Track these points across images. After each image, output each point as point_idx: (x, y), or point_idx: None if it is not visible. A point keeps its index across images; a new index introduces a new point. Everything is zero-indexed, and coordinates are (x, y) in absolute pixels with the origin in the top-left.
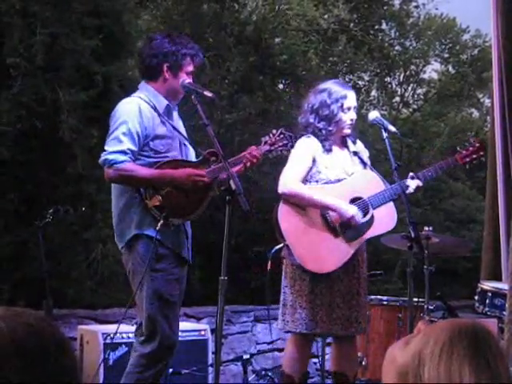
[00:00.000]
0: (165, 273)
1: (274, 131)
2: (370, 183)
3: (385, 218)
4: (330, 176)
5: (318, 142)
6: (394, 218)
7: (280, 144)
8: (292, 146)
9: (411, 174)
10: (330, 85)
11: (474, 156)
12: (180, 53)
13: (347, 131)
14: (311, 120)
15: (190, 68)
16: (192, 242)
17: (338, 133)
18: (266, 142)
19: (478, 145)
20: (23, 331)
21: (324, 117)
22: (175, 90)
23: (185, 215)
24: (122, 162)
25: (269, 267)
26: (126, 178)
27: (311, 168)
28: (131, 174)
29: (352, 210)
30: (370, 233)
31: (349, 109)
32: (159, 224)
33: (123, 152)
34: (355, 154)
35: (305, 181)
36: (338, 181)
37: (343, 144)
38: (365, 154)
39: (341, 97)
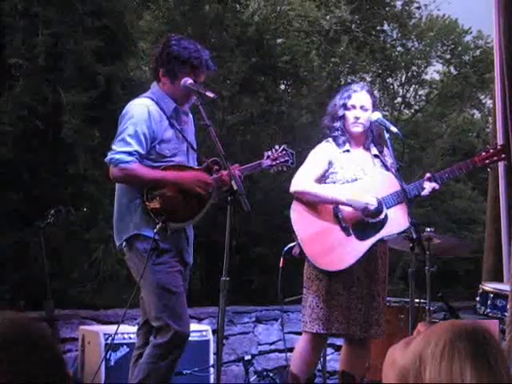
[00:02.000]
0: (166, 265)
1: (277, 147)
2: (385, 183)
3: (399, 218)
4: (346, 176)
5: (336, 145)
6: (407, 218)
7: (282, 160)
8: (292, 163)
9: (428, 174)
10: (348, 85)
11: (495, 158)
12: (179, 60)
13: (354, 129)
14: (325, 121)
15: (192, 78)
16: (194, 242)
17: (349, 132)
18: (268, 157)
19: (499, 147)
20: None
21: (332, 115)
22: (176, 95)
23: (183, 220)
24: (127, 162)
25: (281, 265)
26: (131, 178)
27: (327, 170)
28: (136, 174)
29: (365, 199)
30: (384, 232)
31: (353, 107)
32: (157, 227)
33: (130, 153)
34: (376, 156)
35: (321, 182)
36: (355, 180)
37: (364, 147)
38: (389, 159)
39: (345, 96)
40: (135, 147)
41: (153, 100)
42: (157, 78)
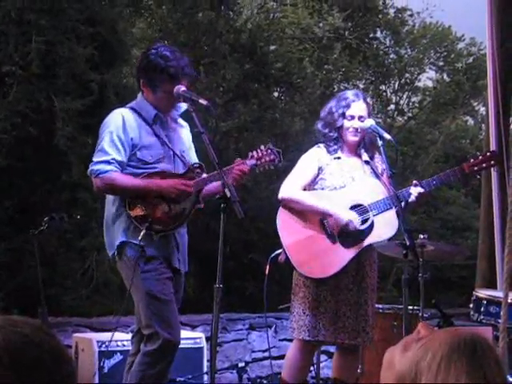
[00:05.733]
0: (154, 272)
1: (262, 147)
2: (374, 190)
3: (385, 226)
4: (334, 183)
5: (326, 151)
6: (394, 225)
7: (267, 159)
8: (280, 162)
9: (415, 181)
10: (344, 92)
11: (484, 165)
12: (157, 70)
13: (350, 138)
14: (319, 126)
15: (169, 87)
16: (187, 249)
17: (344, 140)
18: (252, 156)
19: (489, 154)
20: (18, 342)
21: (327, 123)
22: (158, 103)
23: (166, 226)
24: (106, 171)
25: (267, 272)
26: (112, 188)
27: (317, 175)
28: (116, 183)
29: (348, 215)
30: (369, 240)
31: (352, 117)
32: (141, 234)
33: (108, 162)
34: (367, 163)
35: (310, 188)
36: (343, 187)
37: (356, 153)
38: (380, 166)
39: (344, 105)
40: (113, 155)
41: (132, 109)
42: (139, 88)
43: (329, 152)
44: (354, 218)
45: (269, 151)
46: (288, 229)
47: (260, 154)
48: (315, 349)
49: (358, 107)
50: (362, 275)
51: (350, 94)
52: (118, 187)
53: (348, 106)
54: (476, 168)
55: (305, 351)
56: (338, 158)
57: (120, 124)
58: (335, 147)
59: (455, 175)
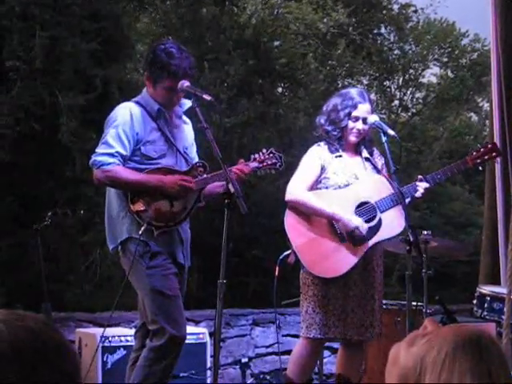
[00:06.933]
0: (160, 268)
1: (264, 150)
2: (378, 187)
3: (393, 222)
4: (338, 181)
5: (327, 149)
6: (402, 222)
7: (269, 162)
8: (281, 166)
9: (420, 176)
10: (349, 91)
11: (486, 157)
12: (158, 66)
13: (352, 139)
14: (322, 121)
15: (168, 84)
16: (190, 245)
17: (345, 139)
18: (255, 159)
19: (490, 146)
20: (23, 335)
21: (332, 121)
22: (158, 98)
23: (167, 222)
24: (109, 164)
25: (276, 273)
26: (113, 181)
27: (320, 175)
28: (118, 176)
29: (355, 221)
30: (378, 237)
31: (357, 119)
32: (142, 229)
33: (112, 155)
34: (367, 159)
35: (314, 187)
36: (347, 186)
37: (356, 151)
38: (379, 161)
39: (351, 105)
40: (117, 148)
41: (139, 103)
42: (144, 80)
43: (330, 151)
44: (360, 223)
45: (271, 155)
46: (296, 230)
47: (262, 157)
48: (322, 347)
49: (364, 109)
50: (368, 270)
51: (355, 93)
52: (119, 181)
53: (355, 107)
54: (479, 160)
55: (313, 349)
56: (340, 156)
57: (128, 118)
58: (337, 146)
59: (459, 169)
